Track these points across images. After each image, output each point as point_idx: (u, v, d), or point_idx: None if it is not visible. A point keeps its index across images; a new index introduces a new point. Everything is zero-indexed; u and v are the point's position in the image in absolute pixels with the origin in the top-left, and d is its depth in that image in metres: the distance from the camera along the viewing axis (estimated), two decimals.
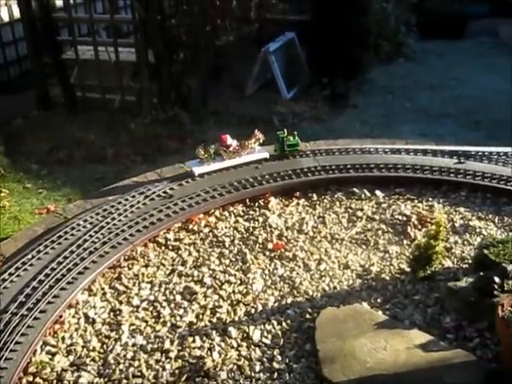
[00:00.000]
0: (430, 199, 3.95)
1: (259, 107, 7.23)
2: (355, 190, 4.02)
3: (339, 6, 7.87)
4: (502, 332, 2.45)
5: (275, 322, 2.83)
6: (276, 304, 2.97)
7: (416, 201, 3.93)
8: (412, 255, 3.13)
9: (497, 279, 2.73)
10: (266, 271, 3.22)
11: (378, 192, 4.00)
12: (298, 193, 3.99)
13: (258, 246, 3.45)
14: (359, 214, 3.77)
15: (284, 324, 2.82)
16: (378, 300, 2.97)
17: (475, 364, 2.51)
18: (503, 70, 9.44)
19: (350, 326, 2.71)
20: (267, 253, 3.38)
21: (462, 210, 3.84)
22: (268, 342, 2.72)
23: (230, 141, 4.21)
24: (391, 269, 3.22)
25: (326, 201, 3.93)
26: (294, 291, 3.06)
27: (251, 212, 3.80)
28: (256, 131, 4.31)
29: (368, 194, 3.98)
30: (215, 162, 4.15)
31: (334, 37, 7.92)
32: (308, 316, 2.86)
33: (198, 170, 4.09)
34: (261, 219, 3.71)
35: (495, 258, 2.91)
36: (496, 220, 3.74)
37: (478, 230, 3.58)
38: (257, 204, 3.88)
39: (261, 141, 4.29)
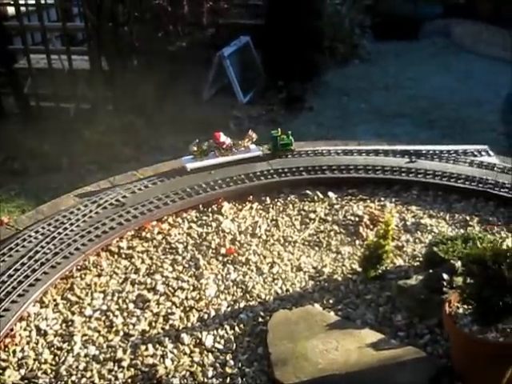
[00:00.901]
0: (382, 199, 3.99)
1: (216, 112, 7.23)
2: (308, 192, 4.03)
3: (293, 10, 7.92)
4: (450, 328, 2.48)
5: (228, 327, 2.83)
6: (229, 309, 2.96)
7: (368, 201, 3.96)
8: (363, 255, 3.15)
9: (445, 276, 2.76)
10: (219, 276, 3.22)
11: (330, 193, 4.02)
12: (251, 197, 3.99)
13: (211, 251, 3.44)
14: (312, 215, 3.79)
15: (237, 328, 2.82)
16: (331, 301, 2.98)
17: (426, 360, 2.54)
18: (456, 69, 9.61)
19: (301, 327, 2.72)
20: (220, 258, 3.38)
21: (413, 208, 3.89)
22: (221, 347, 2.72)
23: (223, 138, 4.27)
24: (343, 269, 3.24)
25: (279, 204, 3.95)
26: (247, 295, 3.06)
27: (204, 217, 3.79)
28: (250, 131, 4.37)
29: (321, 196, 4.00)
30: (208, 159, 4.21)
31: (288, 40, 7.96)
32: (260, 319, 2.86)
33: (190, 166, 4.16)
34: (214, 224, 3.71)
35: (444, 255, 2.95)
36: (447, 217, 3.79)
37: (429, 228, 3.63)
38: (210, 209, 3.87)
39: (254, 140, 4.34)
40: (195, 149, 4.22)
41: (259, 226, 3.67)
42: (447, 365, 2.53)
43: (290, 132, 4.39)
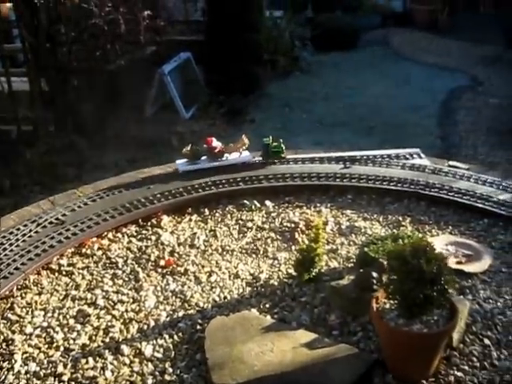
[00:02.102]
0: (318, 204, 4.09)
1: (158, 128, 7.28)
2: (246, 201, 4.12)
3: (231, 25, 8.04)
4: (377, 323, 2.58)
5: (167, 336, 2.88)
6: (168, 318, 3.02)
7: (304, 207, 4.07)
8: (296, 259, 3.23)
9: (375, 274, 2.86)
10: (158, 287, 3.27)
11: (267, 202, 4.11)
12: (189, 209, 4.05)
13: (150, 264, 3.49)
14: (249, 224, 3.87)
15: (175, 337, 2.87)
16: (267, 305, 3.06)
17: (357, 356, 2.63)
18: (394, 76, 9.84)
19: (238, 332, 2.78)
20: (159, 270, 3.43)
21: (348, 212, 4.00)
22: (160, 355, 2.77)
23: (216, 143, 4.41)
24: (280, 274, 3.32)
25: (217, 214, 4.02)
26: (186, 304, 3.11)
27: (144, 231, 3.84)
28: (243, 136, 4.51)
29: (258, 205, 4.08)
30: (201, 163, 4.38)
31: (227, 54, 8.09)
32: (199, 327, 2.92)
33: (183, 168, 4.35)
34: (153, 238, 3.76)
35: (375, 254, 3.05)
36: (381, 219, 3.91)
37: (363, 231, 3.74)
38: (149, 223, 3.92)
39: (246, 145, 4.47)
40: (188, 153, 4.36)
41: (198, 237, 3.74)
42: (378, 359, 2.62)
43: (281, 140, 4.52)
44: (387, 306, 2.58)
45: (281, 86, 9.14)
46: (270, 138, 4.53)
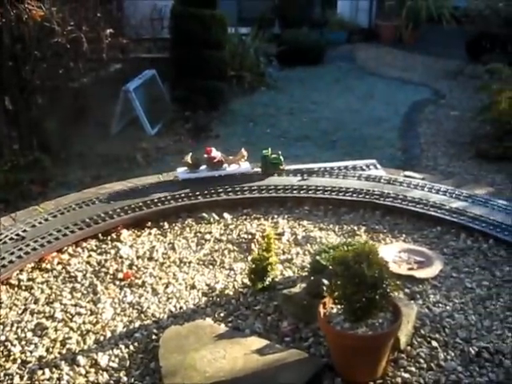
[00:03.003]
0: (276, 216, 4.18)
1: (124, 145, 7.32)
2: (204, 214, 4.19)
3: (194, 42, 8.12)
4: (323, 327, 2.65)
5: (123, 346, 2.93)
6: (124, 329, 3.07)
7: (262, 219, 4.15)
8: (250, 269, 3.30)
9: (325, 281, 2.93)
10: (116, 300, 3.32)
11: (226, 215, 4.19)
12: (149, 223, 4.11)
13: (109, 277, 3.54)
14: (207, 236, 3.94)
15: (131, 347, 2.93)
16: (222, 314, 3.13)
17: (307, 360, 2.70)
18: (358, 91, 9.98)
19: (191, 340, 2.84)
20: (118, 282, 3.48)
21: (305, 223, 4.09)
22: (115, 365, 2.82)
23: (215, 153, 4.57)
24: (235, 284, 3.39)
25: (176, 228, 4.08)
26: (142, 315, 3.17)
27: (104, 245, 3.89)
28: (242, 149, 4.65)
29: (217, 218, 4.16)
30: (201, 172, 4.52)
31: (192, 71, 8.16)
32: (154, 337, 2.98)
33: (182, 177, 4.50)
34: (113, 251, 3.81)
35: (326, 262, 3.13)
36: (336, 229, 4.01)
37: (318, 240, 3.83)
38: (109, 237, 3.97)
39: (245, 157, 4.62)
40: (189, 162, 4.49)
41: (156, 250, 3.80)
42: (328, 363, 2.70)
43: (279, 152, 4.64)
44: (334, 310, 2.66)
45: (246, 102, 9.23)
46: (269, 150, 4.63)
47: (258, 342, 2.82)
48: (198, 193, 4.30)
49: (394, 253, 3.66)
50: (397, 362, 2.75)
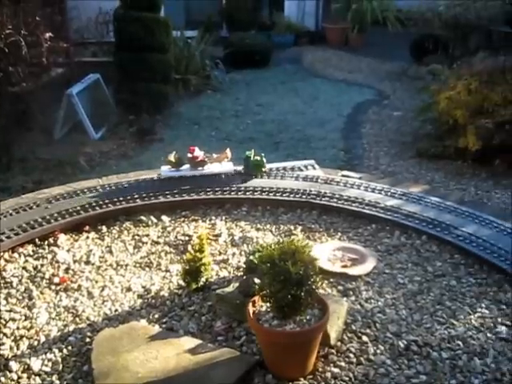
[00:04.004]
0: (214, 218, 4.21)
1: (67, 150, 7.26)
2: (143, 217, 4.20)
3: (138, 45, 8.09)
4: (252, 325, 2.69)
5: (56, 350, 2.93)
6: (59, 333, 3.07)
7: (200, 221, 4.18)
8: (183, 270, 3.33)
9: (256, 280, 2.97)
10: (51, 304, 3.31)
11: (164, 217, 4.21)
12: (87, 227, 4.10)
13: (45, 281, 3.53)
14: (145, 239, 3.95)
15: (65, 350, 2.93)
16: (156, 316, 3.15)
17: (239, 358, 2.75)
18: (303, 93, 10.07)
19: (125, 342, 2.86)
20: (53, 287, 3.47)
21: (242, 224, 4.13)
22: (48, 369, 2.82)
23: (198, 152, 4.61)
24: (170, 286, 3.42)
25: (114, 231, 4.08)
26: (77, 319, 3.17)
27: (41, 250, 3.87)
28: (227, 150, 4.71)
29: (155, 220, 4.17)
30: (183, 170, 4.58)
31: (136, 75, 8.13)
32: (88, 340, 2.99)
33: (165, 175, 4.55)
34: (50, 256, 3.79)
35: (258, 261, 3.16)
36: (273, 229, 4.06)
37: (255, 240, 3.87)
38: (46, 242, 3.95)
39: (229, 158, 4.69)
40: (172, 160, 4.54)
41: (93, 254, 3.80)
42: (259, 360, 2.74)
43: (263, 154, 4.71)
44: (264, 308, 2.70)
45: (192, 105, 9.24)
46: (252, 151, 4.66)
47: (190, 342, 2.85)
48: (136, 196, 4.30)
49: (328, 251, 3.73)
50: (327, 357, 2.81)
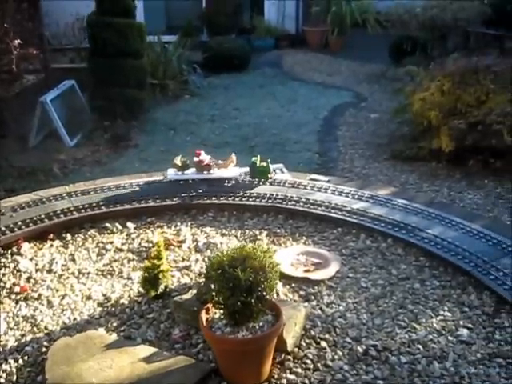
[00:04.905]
0: (179, 224, 4.19)
1: (41, 157, 7.23)
2: (108, 225, 4.17)
3: (112, 51, 8.07)
4: (205, 333, 2.67)
5: (12, 361, 2.90)
6: (16, 343, 3.03)
7: (165, 227, 4.15)
8: (142, 277, 3.30)
9: (213, 286, 2.94)
10: (10, 314, 3.28)
11: (129, 224, 4.18)
12: (51, 235, 4.06)
13: (5, 291, 3.49)
14: (109, 246, 3.92)
15: (20, 361, 2.90)
16: (115, 324, 3.12)
17: (194, 366, 2.73)
18: (281, 97, 10.07)
19: (80, 351, 2.83)
20: (13, 296, 3.44)
21: (207, 229, 4.10)
22: (2, 380, 2.79)
23: (204, 156, 4.60)
24: (131, 293, 3.39)
25: (79, 239, 4.05)
26: (35, 328, 3.14)
27: (3, 260, 3.83)
28: (233, 155, 4.68)
29: (120, 227, 4.14)
30: (189, 173, 4.58)
31: (110, 81, 8.12)
32: (44, 349, 2.95)
33: (170, 177, 4.56)
34: (12, 265, 3.75)
35: (209, 268, 3.14)
36: (238, 234, 4.04)
37: (219, 246, 3.84)
38: (10, 251, 3.91)
39: (235, 163, 4.67)
40: (178, 163, 4.54)
41: (56, 262, 3.76)
42: (214, 368, 2.72)
43: (269, 160, 4.68)
44: (217, 315, 2.68)
45: (168, 110, 9.22)
46: (258, 157, 4.63)
47: (146, 350, 2.83)
48: (101, 203, 4.27)
49: (292, 256, 3.71)
50: (283, 364, 2.79)
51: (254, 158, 4.65)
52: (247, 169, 4.69)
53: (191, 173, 4.63)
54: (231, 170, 4.66)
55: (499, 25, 11.23)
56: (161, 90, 9.86)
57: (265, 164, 4.61)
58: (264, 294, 2.49)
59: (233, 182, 4.56)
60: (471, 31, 11.64)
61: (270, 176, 4.61)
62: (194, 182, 4.56)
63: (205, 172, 4.61)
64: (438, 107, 6.76)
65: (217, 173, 4.64)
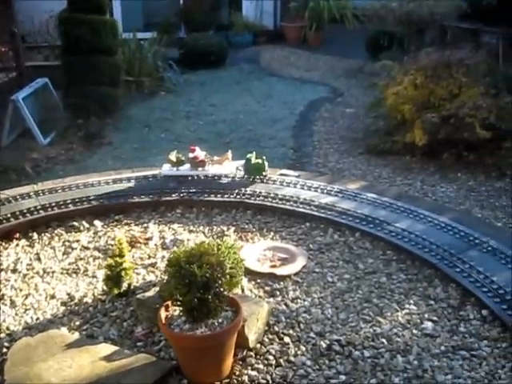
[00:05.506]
0: (147, 221, 4.16)
1: (14, 156, 7.14)
2: (75, 223, 4.14)
3: (85, 48, 8.00)
4: (163, 330, 2.65)
5: None
6: None
7: (133, 225, 4.12)
8: (105, 275, 3.27)
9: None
10: None
11: (96, 222, 4.15)
12: (18, 234, 4.02)
13: None
14: (75, 245, 3.89)
15: None
16: (77, 323, 3.10)
17: (154, 364, 2.71)
18: (258, 93, 10.03)
19: (40, 351, 2.80)
20: None
21: (175, 226, 4.08)
22: None
23: (198, 152, 4.59)
24: (95, 292, 3.36)
25: (45, 238, 4.01)
26: None
27: None
28: (229, 151, 4.74)
29: (87, 225, 4.11)
30: (183, 169, 4.57)
31: (83, 78, 8.04)
32: (5, 350, 2.92)
33: (164, 173, 4.55)
34: None
35: (166, 265, 3.11)
36: (206, 231, 4.02)
37: (186, 243, 3.82)
38: None
39: (230, 160, 4.68)
40: (172, 159, 4.54)
41: (21, 262, 3.73)
42: (175, 365, 2.70)
43: (264, 157, 4.63)
44: (177, 312, 2.66)
45: (144, 107, 9.15)
46: (254, 154, 4.60)
47: (107, 349, 2.81)
48: (69, 201, 4.23)
49: (259, 251, 3.70)
50: (245, 360, 2.78)
51: (249, 155, 4.62)
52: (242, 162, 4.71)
53: (186, 169, 4.60)
54: (226, 167, 4.63)
55: (475, 19, 11.25)
56: (136, 86, 9.79)
57: (260, 161, 4.57)
58: (222, 290, 2.47)
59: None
60: (447, 26, 11.64)
61: (264, 174, 4.58)
62: (162, 179, 4.53)
63: (199, 168, 4.57)
64: (411, 101, 6.75)
65: (211, 169, 4.61)
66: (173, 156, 4.60)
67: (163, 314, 2.61)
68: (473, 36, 11.51)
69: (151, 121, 8.51)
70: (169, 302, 2.66)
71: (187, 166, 4.62)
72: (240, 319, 2.60)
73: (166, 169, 4.63)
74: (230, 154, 4.68)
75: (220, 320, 2.58)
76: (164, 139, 7.76)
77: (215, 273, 2.44)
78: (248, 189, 4.36)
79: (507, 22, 9.50)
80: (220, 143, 7.50)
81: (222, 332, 2.53)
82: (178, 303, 2.53)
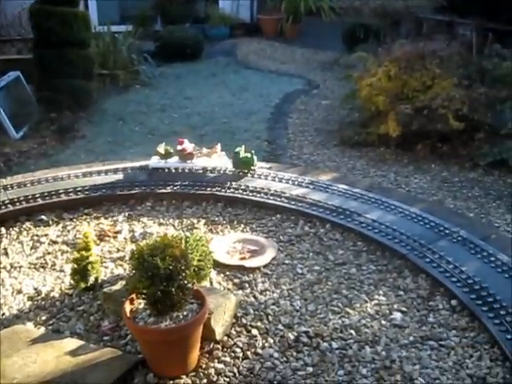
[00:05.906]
0: (116, 214, 4.12)
1: None
2: (43, 217, 4.09)
3: (56, 41, 7.91)
4: (127, 324, 2.63)
5: None
6: None
7: (102, 218, 4.08)
8: (72, 269, 3.24)
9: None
10: None
11: (65, 215, 4.10)
12: None
13: None
14: (43, 239, 3.85)
15: None
16: (44, 318, 3.07)
17: (120, 358, 2.68)
18: (233, 85, 10.00)
19: (5, 347, 2.76)
20: None
21: (145, 219, 4.05)
22: None
23: (186, 145, 4.59)
24: (62, 286, 3.33)
25: (13, 232, 3.97)
26: None
27: None
28: (218, 145, 4.75)
29: (56, 219, 4.07)
30: (172, 162, 4.57)
31: (55, 71, 7.96)
32: None
33: (153, 165, 4.54)
34: None
35: (129, 257, 3.09)
36: (176, 223, 3.99)
37: (155, 236, 3.78)
38: None
39: (218, 153, 4.69)
40: (161, 151, 4.54)
41: None
42: (141, 359, 2.68)
43: (253, 151, 4.59)
44: (142, 305, 2.63)
45: (118, 101, 9.08)
46: (243, 147, 4.57)
47: (72, 344, 2.78)
48: (37, 195, 4.18)
49: (228, 243, 3.69)
50: (211, 353, 2.76)
51: (237, 149, 4.58)
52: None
53: (174, 161, 4.58)
54: (213, 161, 4.60)
55: (450, 11, 11.29)
56: (111, 80, 9.71)
57: (249, 155, 4.54)
58: (186, 282, 2.45)
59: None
60: (423, 18, 11.67)
61: (253, 167, 4.55)
62: (133, 172, 4.49)
63: (188, 161, 4.55)
64: (385, 92, 6.75)
65: (199, 162, 4.57)
66: (161, 148, 4.58)
67: (128, 307, 2.59)
68: (448, 28, 11.55)
69: (125, 114, 8.44)
70: (133, 296, 2.63)
71: (175, 158, 4.57)
72: (205, 312, 2.58)
73: (155, 161, 4.60)
74: (218, 146, 4.65)
75: (185, 313, 2.56)
76: (138, 132, 7.70)
77: (179, 265, 2.41)
78: (219, 181, 4.33)
79: (481, 14, 9.54)
80: (194, 136, 7.43)
81: (186, 325, 2.51)
82: (142, 296, 2.50)
